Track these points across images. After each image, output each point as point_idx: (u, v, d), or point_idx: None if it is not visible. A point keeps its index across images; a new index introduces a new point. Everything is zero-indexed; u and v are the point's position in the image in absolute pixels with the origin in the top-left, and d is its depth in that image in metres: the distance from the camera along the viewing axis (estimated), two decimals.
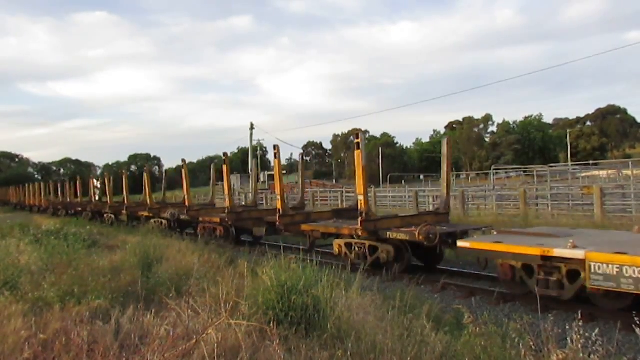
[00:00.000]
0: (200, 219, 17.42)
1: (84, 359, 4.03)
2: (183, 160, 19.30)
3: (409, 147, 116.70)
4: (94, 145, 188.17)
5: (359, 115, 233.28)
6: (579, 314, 4.43)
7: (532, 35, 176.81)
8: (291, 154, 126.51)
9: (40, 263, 8.73)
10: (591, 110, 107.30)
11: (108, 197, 26.69)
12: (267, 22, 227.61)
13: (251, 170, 46.79)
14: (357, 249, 10.81)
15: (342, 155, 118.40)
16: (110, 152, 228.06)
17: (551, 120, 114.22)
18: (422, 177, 60.79)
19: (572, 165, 46.77)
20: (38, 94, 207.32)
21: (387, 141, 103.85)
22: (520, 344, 3.95)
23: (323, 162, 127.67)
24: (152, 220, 20.49)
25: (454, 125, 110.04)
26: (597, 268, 6.47)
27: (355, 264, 10.45)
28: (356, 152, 10.27)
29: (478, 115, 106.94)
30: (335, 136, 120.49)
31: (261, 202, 32.70)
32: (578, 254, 6.76)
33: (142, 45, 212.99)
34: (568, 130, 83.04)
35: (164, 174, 26.12)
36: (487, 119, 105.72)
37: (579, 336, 3.69)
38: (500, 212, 19.83)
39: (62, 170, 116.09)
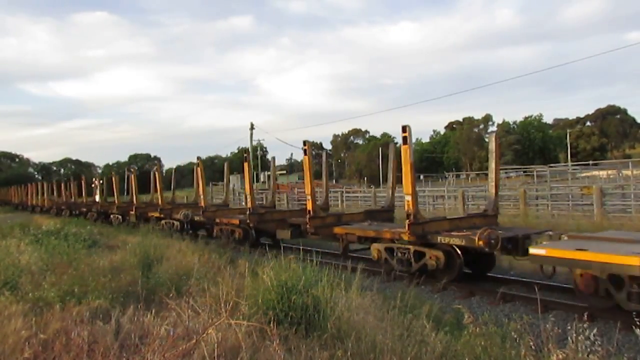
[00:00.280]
0: (217, 220, 16.56)
1: (84, 358, 4.03)
2: (199, 158, 18.35)
3: None
4: (94, 145, 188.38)
5: (359, 115, 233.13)
6: (579, 314, 4.42)
7: (532, 35, 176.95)
8: (291, 154, 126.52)
9: (40, 263, 8.73)
10: (591, 111, 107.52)
11: (115, 197, 25.89)
12: (267, 22, 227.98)
13: (252, 170, 46.81)
14: (399, 254, 9.91)
15: (342, 155, 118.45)
16: (111, 152, 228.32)
17: (551, 120, 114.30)
18: (422, 177, 60.75)
19: (572, 165, 46.79)
20: (38, 94, 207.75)
21: (387, 141, 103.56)
22: (520, 344, 3.96)
23: None
24: (163, 222, 19.83)
25: (454, 125, 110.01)
26: None
27: (397, 271, 9.90)
28: (403, 148, 9.44)
29: (478, 115, 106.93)
30: (335, 136, 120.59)
31: (261, 202, 32.72)
32: None
33: (142, 46, 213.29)
34: (568, 131, 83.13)
35: (172, 173, 25.07)
36: (487, 119, 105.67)
37: (583, 337, 3.69)
38: (500, 212, 19.81)
39: (62, 170, 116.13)
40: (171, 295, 6.19)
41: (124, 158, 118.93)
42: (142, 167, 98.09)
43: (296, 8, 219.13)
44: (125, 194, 30.23)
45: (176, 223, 18.85)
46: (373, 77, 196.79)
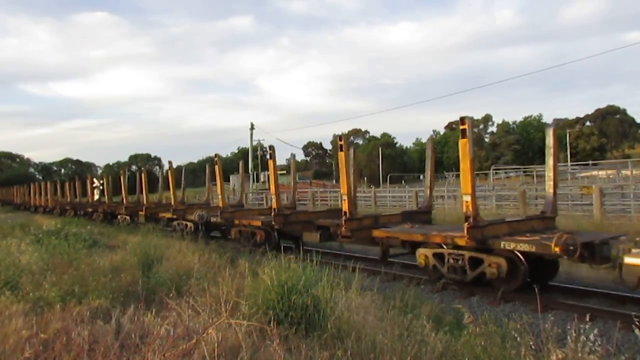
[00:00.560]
0: (236, 221, 15.48)
1: (85, 358, 4.03)
2: (216, 155, 17.02)
3: (409, 147, 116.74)
4: (94, 146, 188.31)
5: (359, 115, 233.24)
6: (579, 314, 4.42)
7: (531, 35, 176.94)
8: (291, 154, 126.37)
9: (41, 263, 8.73)
10: (590, 111, 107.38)
11: (123, 196, 24.76)
12: (268, 22, 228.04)
13: (253, 171, 46.79)
14: (451, 260, 9.00)
15: None
16: (111, 152, 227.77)
17: (551, 120, 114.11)
18: (422, 177, 60.78)
19: (571, 165, 46.78)
20: (39, 94, 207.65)
21: (387, 141, 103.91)
22: (520, 344, 3.96)
23: (323, 162, 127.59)
24: (175, 223, 18.91)
25: (454, 125, 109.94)
26: None
27: (447, 279, 9.10)
28: (462, 142, 8.65)
29: (478, 115, 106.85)
30: (336, 136, 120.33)
31: (262, 203, 32.71)
32: None
33: (143, 46, 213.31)
34: (567, 131, 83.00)
35: (182, 172, 22.93)
36: (487, 119, 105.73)
37: (583, 337, 3.70)
38: (500, 212, 19.83)
39: (62, 171, 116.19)
40: (171, 295, 6.20)
41: (124, 158, 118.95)
42: (143, 167, 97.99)
43: (296, 8, 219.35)
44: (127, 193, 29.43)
45: (189, 224, 17.92)
46: (373, 77, 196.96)
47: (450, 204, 24.11)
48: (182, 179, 22.19)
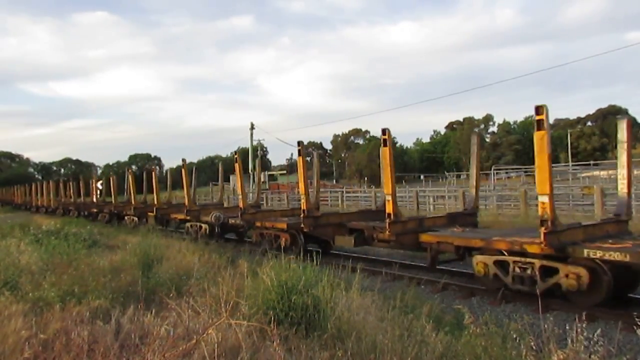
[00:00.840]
0: (258, 223, 14.39)
1: (84, 358, 4.02)
2: (236, 153, 15.85)
3: (409, 147, 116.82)
4: (94, 145, 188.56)
5: (359, 115, 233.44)
6: (580, 314, 4.41)
7: (532, 35, 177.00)
8: (291, 154, 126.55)
9: (40, 263, 8.73)
10: (592, 111, 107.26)
11: (132, 196, 23.79)
12: (268, 22, 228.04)
13: (253, 171, 46.75)
14: (517, 269, 8.00)
15: (342, 155, 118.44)
16: (111, 152, 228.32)
17: (552, 120, 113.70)
18: (422, 177, 60.79)
19: (572, 165, 46.77)
20: (39, 94, 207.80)
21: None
22: (521, 344, 3.95)
23: (323, 162, 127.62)
24: (188, 224, 17.98)
25: (454, 125, 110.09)
26: None
27: (512, 290, 8.11)
28: (538, 134, 7.51)
29: (478, 115, 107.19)
30: (336, 136, 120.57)
31: (262, 203, 32.68)
32: None
33: (143, 45, 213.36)
34: (569, 131, 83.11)
35: (193, 170, 20.99)
36: (488, 119, 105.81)
37: (581, 337, 3.69)
38: (501, 212, 19.83)
39: (62, 170, 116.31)
40: (171, 295, 6.19)
41: (124, 158, 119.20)
42: (143, 167, 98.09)
43: (296, 8, 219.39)
44: (125, 193, 29.05)
45: (204, 226, 16.95)
46: (373, 77, 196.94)
47: (450, 204, 24.08)
48: (194, 178, 20.72)
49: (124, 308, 5.69)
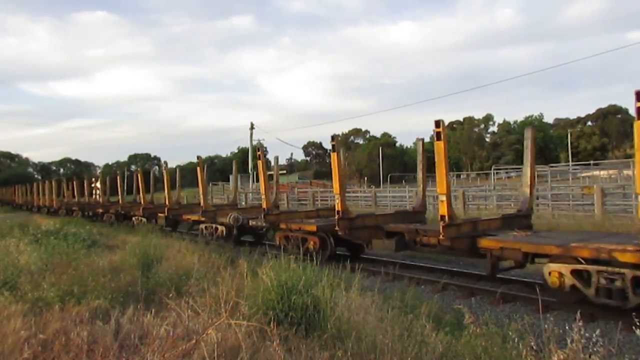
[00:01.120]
0: (282, 225, 13.48)
1: (84, 359, 4.02)
2: (258, 149, 15.09)
3: (409, 147, 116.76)
4: (93, 145, 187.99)
5: (359, 115, 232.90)
6: (580, 314, 4.39)
7: (532, 34, 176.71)
8: (291, 154, 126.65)
9: (39, 263, 8.72)
10: (592, 110, 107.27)
11: (141, 196, 23.05)
12: (268, 22, 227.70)
13: (252, 171, 46.71)
14: (602, 280, 7.01)
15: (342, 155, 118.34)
16: (110, 152, 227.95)
17: (552, 120, 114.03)
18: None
19: (572, 165, 46.73)
20: (38, 93, 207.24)
21: (387, 141, 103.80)
22: (521, 345, 3.95)
23: (323, 162, 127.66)
24: (203, 226, 17.24)
25: (454, 125, 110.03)
26: None
27: (595, 303, 7.16)
28: (638, 123, 6.48)
29: (478, 115, 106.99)
30: (335, 136, 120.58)
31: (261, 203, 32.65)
32: None
33: (143, 45, 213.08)
34: (569, 130, 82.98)
35: (205, 168, 19.22)
36: (488, 119, 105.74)
37: (579, 336, 3.68)
38: (500, 212, 19.83)
39: (61, 170, 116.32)
40: (171, 295, 6.19)
41: (123, 158, 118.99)
42: (143, 166, 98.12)
43: (296, 7, 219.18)
44: (126, 193, 28.67)
45: (220, 228, 16.18)
46: (373, 77, 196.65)
47: (452, 204, 24.07)
48: (205, 176, 18.81)
49: (124, 308, 5.68)
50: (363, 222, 11.67)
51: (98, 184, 33.01)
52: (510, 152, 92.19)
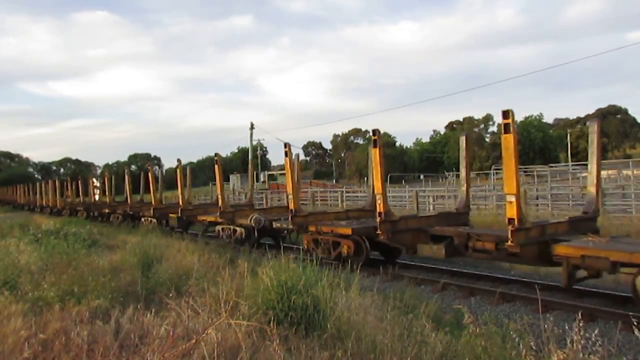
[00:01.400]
0: (311, 228, 12.46)
1: (84, 358, 4.02)
2: (287, 145, 13.65)
3: (409, 147, 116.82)
4: (93, 145, 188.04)
5: (359, 115, 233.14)
6: (579, 314, 4.40)
7: (532, 35, 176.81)
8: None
9: (39, 263, 8.72)
10: (592, 110, 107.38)
11: (152, 196, 21.81)
12: (268, 22, 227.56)
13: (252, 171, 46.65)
14: None
15: (342, 155, 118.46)
16: (110, 151, 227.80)
17: (551, 120, 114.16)
18: (422, 177, 60.76)
19: (572, 165, 46.75)
20: (38, 93, 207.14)
21: (387, 141, 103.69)
22: (521, 344, 3.95)
23: (323, 162, 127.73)
24: (219, 227, 16.27)
25: (454, 125, 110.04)
26: None
27: None
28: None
29: (478, 115, 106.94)
30: (335, 136, 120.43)
31: (261, 203, 32.69)
32: None
33: (143, 45, 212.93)
34: (568, 130, 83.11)
35: (217, 166, 17.30)
36: (488, 119, 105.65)
37: (579, 336, 3.69)
38: (500, 212, 19.82)
39: (62, 170, 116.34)
40: (171, 295, 6.19)
41: (123, 158, 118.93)
42: (142, 166, 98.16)
43: (297, 7, 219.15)
44: (124, 193, 28.24)
45: (239, 230, 15.34)
46: (373, 77, 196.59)
47: (450, 204, 24.08)
48: (221, 176, 17.24)
49: (124, 308, 5.68)
50: (406, 225, 10.67)
51: (97, 183, 32.65)
52: None
